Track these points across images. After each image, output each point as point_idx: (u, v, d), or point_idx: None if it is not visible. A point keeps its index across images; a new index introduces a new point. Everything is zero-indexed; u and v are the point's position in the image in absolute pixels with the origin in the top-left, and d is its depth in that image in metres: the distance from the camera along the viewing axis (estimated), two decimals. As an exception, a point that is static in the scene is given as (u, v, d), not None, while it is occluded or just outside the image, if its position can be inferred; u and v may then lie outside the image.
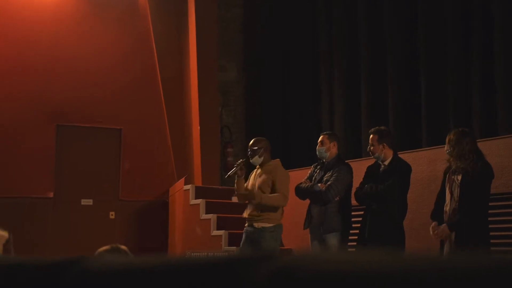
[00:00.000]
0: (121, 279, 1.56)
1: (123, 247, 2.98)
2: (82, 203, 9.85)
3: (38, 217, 9.35)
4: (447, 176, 5.59)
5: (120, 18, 10.41)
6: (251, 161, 6.47)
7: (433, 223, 5.54)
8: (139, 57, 10.43)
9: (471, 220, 5.31)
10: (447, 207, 5.48)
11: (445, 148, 5.59)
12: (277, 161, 6.50)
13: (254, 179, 6.46)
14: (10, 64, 9.73)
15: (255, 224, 6.32)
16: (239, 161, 6.53)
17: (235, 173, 6.43)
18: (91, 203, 9.90)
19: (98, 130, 10.03)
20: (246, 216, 6.41)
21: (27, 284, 1.81)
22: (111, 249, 2.95)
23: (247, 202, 6.53)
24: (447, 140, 5.56)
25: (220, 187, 9.94)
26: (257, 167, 6.52)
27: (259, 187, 6.35)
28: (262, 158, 6.44)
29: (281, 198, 6.28)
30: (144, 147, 10.22)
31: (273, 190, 6.32)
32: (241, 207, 6.82)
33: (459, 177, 5.42)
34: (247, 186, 6.48)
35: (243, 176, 6.47)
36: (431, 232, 5.57)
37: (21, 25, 9.84)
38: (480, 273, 0.93)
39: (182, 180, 9.76)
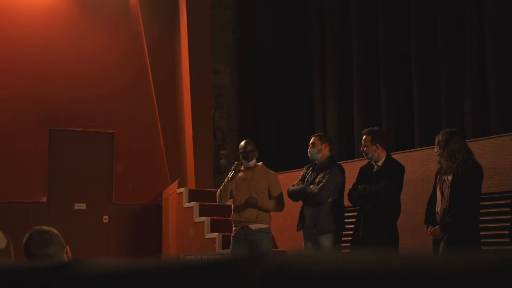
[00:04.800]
0: (115, 283, 1.56)
1: (47, 228, 3.14)
2: (76, 207, 9.83)
3: (32, 222, 9.28)
4: (438, 176, 5.60)
5: (111, 22, 10.40)
6: (248, 163, 6.47)
7: (429, 228, 5.54)
8: (131, 60, 10.41)
9: (461, 221, 5.32)
10: (438, 208, 5.49)
11: (435, 150, 5.60)
12: (262, 164, 6.58)
13: (241, 182, 6.45)
14: (2, 68, 9.70)
15: (252, 226, 6.33)
16: (237, 163, 6.54)
17: (236, 175, 6.46)
18: (84, 207, 9.88)
19: (90, 134, 10.01)
20: (240, 219, 6.40)
21: (20, 288, 1.80)
22: (38, 231, 3.10)
23: (229, 203, 6.59)
24: (436, 141, 5.57)
25: (213, 189, 9.92)
26: (241, 169, 6.52)
27: (255, 191, 6.36)
28: (255, 160, 6.48)
29: (278, 204, 6.41)
30: (137, 151, 10.21)
31: (269, 195, 6.38)
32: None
33: (450, 177, 5.43)
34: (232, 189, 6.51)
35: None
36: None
37: (12, 29, 9.81)
38: (472, 271, 0.94)
39: (176, 183, 9.75)
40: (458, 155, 5.40)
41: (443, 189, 5.47)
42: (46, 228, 3.24)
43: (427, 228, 5.56)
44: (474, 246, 5.28)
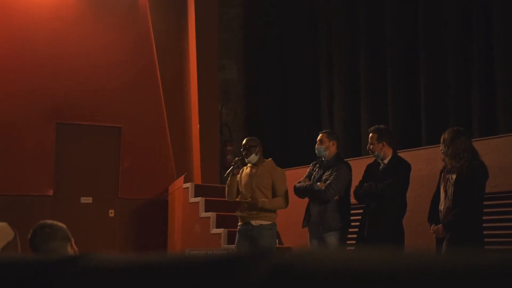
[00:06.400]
0: (120, 277, 1.56)
1: (50, 222, 3.18)
2: (82, 201, 9.85)
3: (38, 215, 9.29)
4: (442, 175, 5.59)
5: (119, 17, 10.41)
6: (246, 159, 6.49)
7: (432, 226, 5.53)
8: (138, 56, 10.43)
9: (464, 220, 5.31)
10: (441, 206, 5.48)
11: (440, 148, 5.59)
12: (271, 160, 6.55)
13: (247, 178, 6.46)
14: (10, 62, 9.73)
15: (253, 222, 6.33)
16: (236, 159, 6.57)
17: (232, 171, 6.48)
18: (90, 201, 9.91)
19: (97, 128, 10.03)
20: (242, 215, 6.41)
21: (26, 282, 1.81)
22: (40, 226, 3.14)
23: (238, 200, 6.59)
24: (441, 139, 5.55)
25: (219, 185, 9.94)
26: (248, 166, 6.53)
27: (257, 187, 6.36)
28: (258, 156, 6.46)
29: (282, 202, 6.36)
30: (143, 145, 10.22)
31: (273, 191, 6.37)
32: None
33: (454, 176, 5.42)
34: (238, 184, 6.52)
35: (238, 175, 6.53)
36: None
37: (21, 23, 9.83)
38: (473, 271, 0.94)
39: (182, 178, 9.76)
40: (463, 154, 5.39)
41: (447, 188, 5.46)
42: (49, 222, 3.25)
43: (430, 227, 5.55)
44: (477, 245, 5.27)
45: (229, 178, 6.58)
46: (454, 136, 5.46)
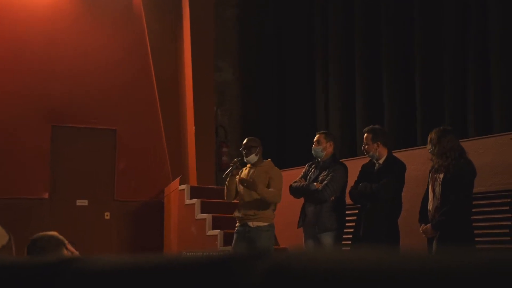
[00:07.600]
0: (116, 279, 1.57)
1: (38, 236, 3.19)
2: (77, 204, 9.84)
3: (33, 218, 9.34)
4: (430, 174, 5.60)
5: (114, 18, 10.40)
6: (246, 159, 6.49)
7: (421, 226, 5.55)
8: (134, 57, 10.42)
9: (452, 219, 5.32)
10: (430, 206, 5.50)
11: (427, 148, 5.61)
12: (270, 161, 6.55)
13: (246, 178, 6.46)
14: (5, 64, 9.71)
15: (250, 223, 6.34)
16: (235, 160, 6.57)
17: (231, 171, 6.48)
18: (86, 204, 9.90)
19: (93, 131, 10.03)
20: (239, 216, 6.42)
21: (23, 284, 1.81)
22: (32, 243, 3.14)
23: (236, 201, 6.59)
24: (428, 139, 5.58)
25: (215, 186, 9.94)
26: (247, 166, 6.53)
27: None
28: (257, 156, 6.47)
29: (276, 194, 6.35)
30: (139, 148, 10.21)
31: (268, 187, 6.39)
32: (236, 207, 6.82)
33: (441, 176, 5.43)
34: (237, 185, 6.52)
35: (237, 175, 6.53)
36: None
37: (16, 25, 9.82)
38: (472, 270, 0.95)
39: (177, 180, 9.75)
40: (449, 153, 5.41)
41: (435, 187, 5.48)
42: (40, 235, 3.25)
43: (420, 227, 5.56)
44: (467, 244, 5.27)
45: (227, 179, 6.57)
46: (441, 135, 5.49)
